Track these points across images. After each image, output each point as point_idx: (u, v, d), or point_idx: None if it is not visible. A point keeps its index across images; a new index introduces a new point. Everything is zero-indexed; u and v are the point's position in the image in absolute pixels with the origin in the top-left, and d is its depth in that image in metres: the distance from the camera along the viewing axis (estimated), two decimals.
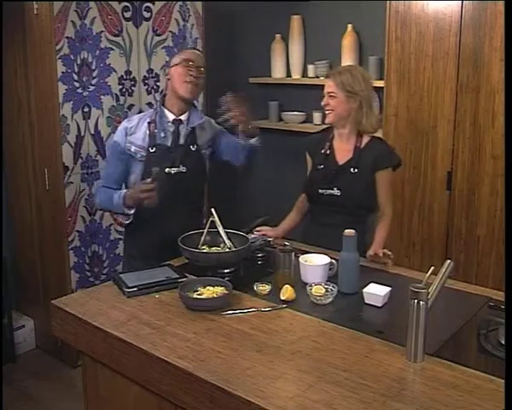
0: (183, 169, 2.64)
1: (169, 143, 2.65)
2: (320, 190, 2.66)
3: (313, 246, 2.61)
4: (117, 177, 2.70)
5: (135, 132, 2.66)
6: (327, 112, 2.64)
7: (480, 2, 3.00)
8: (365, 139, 2.66)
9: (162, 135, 2.65)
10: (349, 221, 2.46)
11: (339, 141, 2.70)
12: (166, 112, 2.68)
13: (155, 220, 2.62)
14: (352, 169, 2.62)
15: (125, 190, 2.62)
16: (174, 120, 2.67)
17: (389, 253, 2.43)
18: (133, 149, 2.64)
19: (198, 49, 2.78)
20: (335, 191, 2.63)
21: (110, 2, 3.51)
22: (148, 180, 2.45)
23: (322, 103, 2.65)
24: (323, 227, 2.67)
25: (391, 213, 2.68)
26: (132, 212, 2.58)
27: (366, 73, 2.72)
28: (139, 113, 3.62)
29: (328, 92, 2.61)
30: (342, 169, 2.64)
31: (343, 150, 2.67)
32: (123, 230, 3.71)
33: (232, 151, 2.76)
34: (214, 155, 2.83)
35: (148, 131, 2.64)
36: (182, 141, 2.67)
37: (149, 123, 2.66)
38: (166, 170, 2.61)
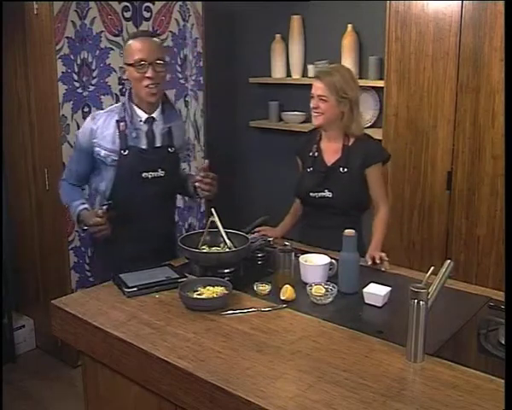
0: (161, 173, 2.47)
1: (143, 145, 2.45)
2: (311, 194, 2.65)
3: (312, 247, 2.61)
4: (79, 176, 2.54)
5: (102, 134, 2.41)
6: (315, 114, 2.59)
7: (480, 2, 3.00)
8: (352, 139, 2.63)
9: (134, 135, 2.42)
10: (344, 222, 2.44)
11: (326, 142, 2.68)
12: (136, 109, 2.44)
13: (130, 231, 2.46)
14: (341, 169, 2.60)
15: (80, 208, 2.42)
16: (147, 118, 2.45)
17: (386, 259, 2.43)
18: (103, 153, 2.42)
19: (149, 33, 2.47)
20: (327, 193, 2.61)
21: (110, 3, 3.51)
22: (100, 212, 2.29)
23: (312, 105, 2.59)
24: (319, 230, 2.67)
25: (387, 208, 2.66)
26: (86, 230, 2.42)
27: (353, 74, 2.70)
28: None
29: (319, 95, 2.55)
30: (331, 170, 2.62)
31: (331, 151, 2.65)
32: None
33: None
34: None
35: (117, 131, 2.41)
36: (158, 142, 2.48)
37: (118, 121, 2.41)
38: (143, 175, 2.43)
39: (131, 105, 2.45)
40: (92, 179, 2.55)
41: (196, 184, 2.49)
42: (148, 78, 2.34)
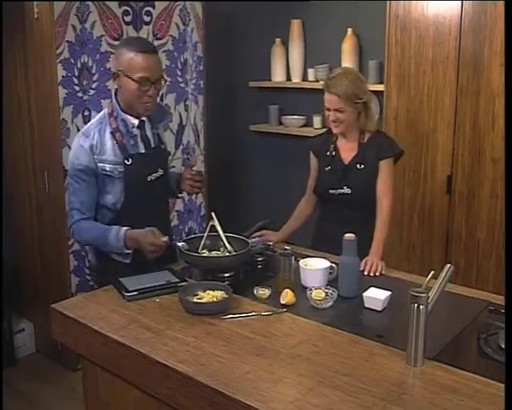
0: (161, 172, 2.50)
1: (142, 149, 2.44)
2: (331, 191, 2.69)
3: (324, 244, 2.62)
4: (92, 203, 2.40)
5: (102, 149, 2.36)
6: (335, 124, 2.63)
7: (480, 5, 3.00)
8: (367, 136, 2.69)
9: (132, 143, 2.41)
10: (361, 214, 2.56)
11: (343, 140, 2.73)
12: (128, 117, 2.40)
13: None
14: (358, 165, 2.65)
15: (124, 229, 2.32)
16: (139, 122, 2.42)
17: (379, 270, 2.43)
18: (108, 167, 2.36)
19: (154, 48, 2.37)
20: (346, 190, 2.66)
21: (110, 7, 3.51)
22: (163, 239, 2.27)
23: (331, 119, 2.62)
24: (336, 223, 2.67)
25: (389, 204, 2.64)
26: (131, 251, 2.34)
27: (358, 73, 2.75)
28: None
29: (335, 109, 2.58)
30: (349, 167, 2.67)
31: (347, 149, 2.71)
32: None
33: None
34: None
35: (115, 143, 2.37)
36: (153, 143, 2.48)
37: (112, 133, 2.38)
38: (148, 178, 2.44)
39: (123, 115, 2.40)
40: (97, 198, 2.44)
41: (187, 181, 2.54)
42: (148, 96, 2.33)
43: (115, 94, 2.42)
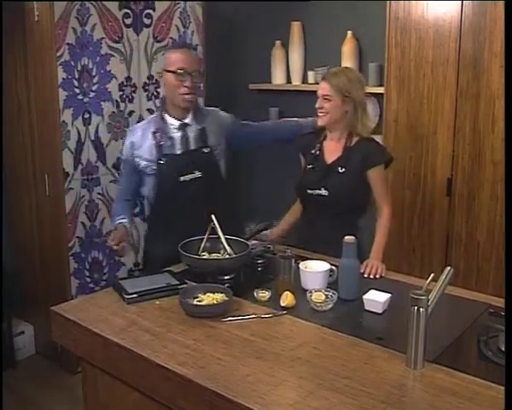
0: (198, 174, 2.59)
1: (178, 151, 2.60)
2: (309, 191, 2.67)
3: (305, 249, 2.63)
4: (129, 190, 2.71)
5: (141, 146, 2.60)
6: (320, 114, 2.64)
7: (480, 7, 3.00)
8: (355, 139, 2.66)
9: (169, 144, 2.58)
10: (339, 224, 2.51)
11: (329, 141, 2.71)
12: (169, 118, 2.61)
13: (175, 231, 2.53)
14: (339, 168, 2.62)
15: (118, 221, 2.58)
16: (180, 125, 2.61)
17: (379, 272, 2.43)
18: (142, 164, 2.60)
19: (190, 46, 2.68)
20: (323, 191, 2.63)
21: (111, 9, 3.51)
22: (112, 234, 2.46)
23: (317, 106, 2.64)
24: (315, 229, 2.68)
25: (389, 211, 2.65)
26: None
27: (361, 77, 2.73)
28: (138, 121, 3.63)
29: (324, 95, 2.60)
30: (330, 169, 2.65)
31: (332, 150, 2.68)
32: None
33: (259, 136, 2.87)
34: (234, 147, 2.80)
35: (154, 142, 2.58)
36: (193, 145, 2.62)
37: (154, 133, 2.59)
38: (181, 178, 2.56)
39: (165, 116, 2.62)
40: (140, 189, 2.73)
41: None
42: (185, 87, 2.52)
43: (163, 97, 2.68)
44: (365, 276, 2.41)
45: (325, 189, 2.62)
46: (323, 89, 2.61)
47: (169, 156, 2.57)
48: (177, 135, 2.60)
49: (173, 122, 2.61)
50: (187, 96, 2.54)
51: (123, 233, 2.52)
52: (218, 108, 2.84)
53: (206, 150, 2.63)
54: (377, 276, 2.41)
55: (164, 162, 2.56)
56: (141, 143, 2.61)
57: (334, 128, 2.66)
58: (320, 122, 2.67)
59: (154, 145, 2.58)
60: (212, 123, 2.70)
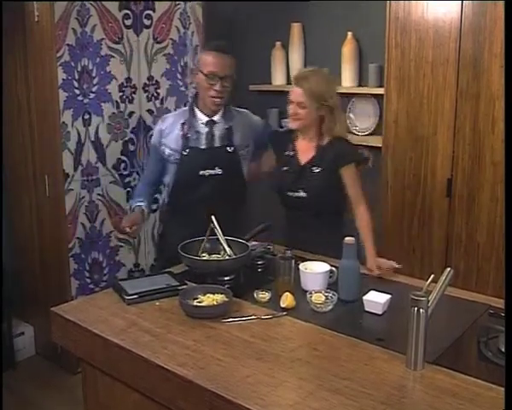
0: (218, 171, 2.65)
1: (203, 145, 2.67)
2: (288, 193, 2.68)
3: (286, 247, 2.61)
4: (153, 175, 2.81)
5: (168, 134, 2.69)
6: (293, 119, 2.62)
7: (480, 7, 3.00)
8: (327, 138, 2.66)
9: (194, 137, 2.66)
10: (320, 223, 2.55)
11: (302, 141, 2.71)
12: (199, 113, 2.68)
13: (189, 221, 2.63)
14: (314, 168, 2.63)
15: (135, 204, 2.71)
16: (207, 121, 2.67)
17: (396, 266, 2.44)
18: (167, 152, 2.69)
19: (224, 48, 2.63)
20: (301, 193, 2.64)
21: (111, 10, 3.51)
22: (127, 216, 2.58)
23: (290, 112, 2.61)
24: (298, 230, 2.70)
25: (365, 207, 2.63)
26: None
27: (331, 77, 2.73)
28: (138, 122, 3.70)
29: (298, 102, 2.58)
30: (305, 169, 2.65)
31: (305, 150, 2.68)
32: (123, 237, 3.74)
33: None
34: (261, 150, 2.84)
35: (181, 133, 2.66)
36: (218, 143, 2.68)
37: (183, 124, 2.67)
38: (200, 172, 2.64)
39: (195, 110, 2.69)
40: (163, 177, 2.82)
41: None
42: (215, 90, 2.58)
43: (195, 93, 2.75)
44: (376, 273, 2.43)
45: (303, 191, 2.64)
46: (296, 94, 2.58)
47: (193, 149, 2.65)
48: (204, 130, 2.67)
49: (202, 117, 2.68)
50: (216, 100, 2.61)
51: (137, 217, 2.65)
52: (248, 111, 2.93)
53: (229, 149, 2.70)
54: (396, 266, 2.44)
55: (187, 154, 2.64)
56: (169, 131, 2.69)
57: (306, 130, 2.66)
58: (292, 125, 2.66)
59: (181, 136, 2.66)
60: (240, 124, 2.76)
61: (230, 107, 2.78)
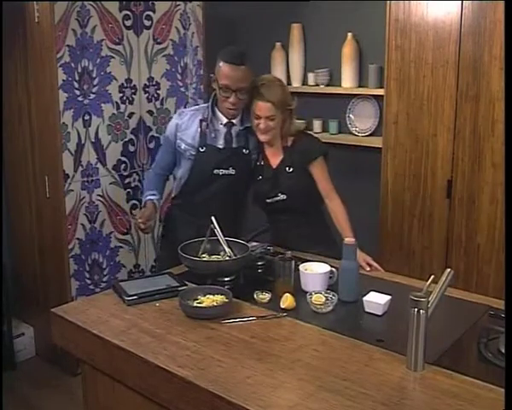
0: (232, 171, 2.68)
1: (220, 145, 2.68)
2: (267, 200, 2.70)
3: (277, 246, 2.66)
4: (164, 165, 2.84)
5: (186, 129, 2.70)
6: (264, 132, 2.61)
7: (480, 9, 3.01)
8: (290, 138, 2.70)
9: (213, 135, 2.68)
10: (304, 218, 2.65)
11: (268, 148, 2.74)
12: (219, 114, 2.69)
13: (196, 221, 2.64)
14: (287, 169, 2.66)
15: (148, 197, 2.74)
16: (227, 122, 2.69)
17: (377, 268, 2.48)
18: (183, 146, 2.70)
19: (241, 59, 2.58)
20: (281, 196, 2.67)
21: (111, 11, 3.52)
22: (140, 212, 2.54)
23: (262, 127, 2.60)
24: (284, 231, 2.73)
25: (338, 199, 2.66)
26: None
27: (281, 79, 2.83)
28: (139, 123, 3.70)
29: (268, 116, 2.57)
30: (278, 172, 2.68)
31: (273, 155, 2.72)
32: (123, 237, 3.75)
33: None
34: None
35: (199, 130, 2.68)
36: (235, 143, 2.70)
37: (201, 121, 2.69)
38: (215, 171, 2.66)
39: (215, 110, 2.70)
40: (174, 167, 2.85)
41: None
42: (229, 102, 2.60)
43: (214, 94, 2.73)
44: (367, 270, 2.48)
45: (282, 193, 2.66)
46: (266, 109, 2.57)
47: (210, 147, 2.67)
48: (223, 130, 2.69)
49: (221, 118, 2.69)
50: (230, 111, 2.64)
51: (151, 212, 2.68)
52: None
53: (245, 151, 2.72)
54: (379, 268, 2.48)
55: (204, 151, 2.66)
56: (186, 126, 2.71)
57: (275, 138, 2.69)
58: (265, 139, 2.66)
59: (199, 133, 2.67)
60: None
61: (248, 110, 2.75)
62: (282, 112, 2.61)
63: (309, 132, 2.83)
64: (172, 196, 3.00)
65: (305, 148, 2.68)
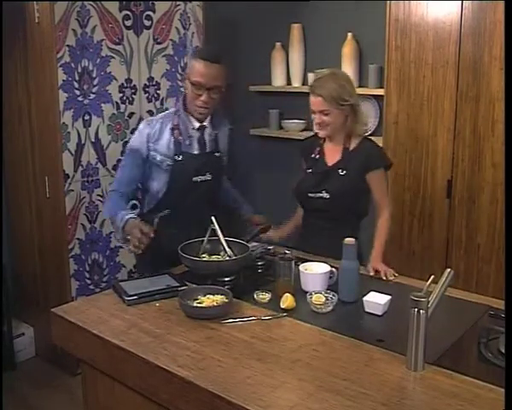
0: (208, 177, 2.62)
1: (195, 151, 2.60)
2: (310, 194, 2.65)
3: (307, 253, 2.61)
4: (130, 182, 2.59)
5: (158, 139, 2.56)
6: (321, 127, 2.59)
7: (480, 10, 3.01)
8: (355, 141, 2.64)
9: (187, 142, 2.58)
10: (340, 226, 2.51)
11: (329, 144, 2.69)
12: (191, 118, 2.60)
13: (179, 231, 2.51)
14: (340, 171, 2.60)
15: (129, 216, 2.40)
16: (199, 126, 2.61)
17: (393, 275, 2.44)
18: (159, 157, 2.56)
19: (216, 57, 2.52)
20: (324, 194, 2.61)
21: (111, 11, 3.52)
22: (147, 228, 2.27)
23: (316, 121, 2.58)
24: (316, 233, 2.67)
25: (388, 214, 2.65)
26: (125, 245, 2.42)
27: (347, 76, 2.70)
28: (139, 123, 3.63)
29: (320, 111, 2.55)
30: (330, 171, 2.63)
31: (333, 153, 2.66)
32: None
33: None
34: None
35: (172, 138, 2.56)
36: (208, 148, 2.64)
37: (172, 129, 2.57)
38: (194, 179, 2.58)
39: (186, 115, 2.59)
40: (144, 181, 2.65)
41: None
42: (201, 101, 2.50)
43: (184, 96, 2.62)
44: (371, 274, 2.43)
45: (326, 192, 2.60)
46: (317, 104, 2.55)
47: (186, 154, 2.58)
48: (196, 135, 2.61)
49: (193, 122, 2.60)
50: (201, 109, 2.54)
51: (149, 228, 2.33)
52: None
53: (217, 154, 2.67)
54: (390, 277, 2.42)
55: (181, 160, 2.56)
56: (159, 136, 2.57)
57: (335, 134, 2.64)
58: (322, 134, 2.63)
59: (173, 141, 2.56)
60: (223, 129, 2.75)
61: (218, 111, 2.71)
62: (337, 107, 2.53)
63: (374, 141, 2.74)
64: (145, 211, 2.68)
65: (367, 154, 2.61)
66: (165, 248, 2.42)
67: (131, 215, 2.41)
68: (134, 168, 2.59)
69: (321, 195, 2.62)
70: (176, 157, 2.56)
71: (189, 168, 2.58)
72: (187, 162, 2.57)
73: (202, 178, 2.60)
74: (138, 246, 2.30)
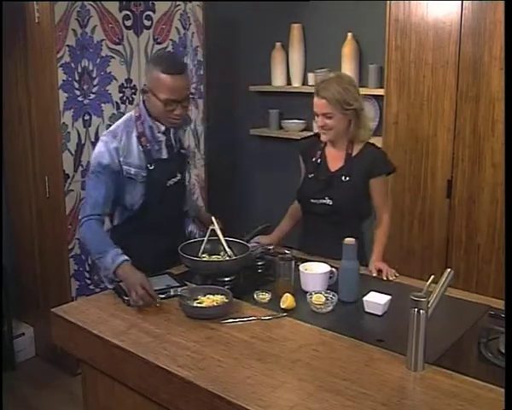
0: (178, 176, 2.54)
1: (164, 155, 2.48)
2: (312, 200, 2.63)
3: (311, 255, 2.60)
4: (107, 202, 2.39)
5: (128, 152, 2.39)
6: (323, 131, 2.56)
7: (480, 10, 3.01)
8: (358, 146, 2.60)
9: (156, 148, 2.44)
10: (343, 231, 2.43)
11: (331, 149, 2.65)
12: (154, 122, 2.42)
13: (155, 234, 2.47)
14: (343, 177, 2.57)
15: (124, 258, 2.21)
16: (165, 129, 2.44)
17: (394, 275, 2.44)
18: (133, 171, 2.39)
19: (182, 67, 2.40)
20: (327, 201, 2.58)
21: (111, 11, 3.52)
22: (153, 291, 2.11)
23: (319, 124, 2.55)
24: (318, 238, 2.64)
25: (389, 219, 2.66)
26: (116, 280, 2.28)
27: (353, 80, 2.67)
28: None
29: (324, 113, 2.51)
30: (333, 178, 2.60)
31: (335, 158, 2.63)
32: None
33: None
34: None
35: (140, 147, 2.40)
36: (175, 148, 2.53)
37: (139, 137, 2.41)
38: (167, 183, 2.48)
39: (150, 119, 2.41)
40: (115, 195, 2.43)
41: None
42: (175, 114, 2.36)
43: (144, 100, 2.44)
44: (374, 275, 2.43)
45: (329, 198, 2.58)
46: (320, 106, 2.51)
47: (158, 161, 2.44)
48: (163, 139, 2.46)
49: (159, 126, 2.43)
50: (175, 121, 2.40)
51: (144, 287, 2.12)
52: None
53: (183, 151, 2.59)
54: (391, 278, 2.42)
55: (153, 168, 2.42)
56: (127, 148, 2.39)
57: (338, 139, 2.60)
58: (325, 138, 2.59)
59: (142, 150, 2.40)
60: (185, 129, 2.72)
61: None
62: (341, 111, 2.49)
63: (378, 146, 2.71)
64: (115, 223, 2.56)
65: (371, 160, 2.57)
66: (145, 258, 2.34)
67: (124, 258, 2.22)
68: (109, 185, 2.37)
69: (324, 201, 2.59)
70: (148, 166, 2.40)
71: (162, 175, 2.46)
72: (159, 169, 2.44)
73: (174, 180, 2.51)
74: (138, 302, 2.11)
